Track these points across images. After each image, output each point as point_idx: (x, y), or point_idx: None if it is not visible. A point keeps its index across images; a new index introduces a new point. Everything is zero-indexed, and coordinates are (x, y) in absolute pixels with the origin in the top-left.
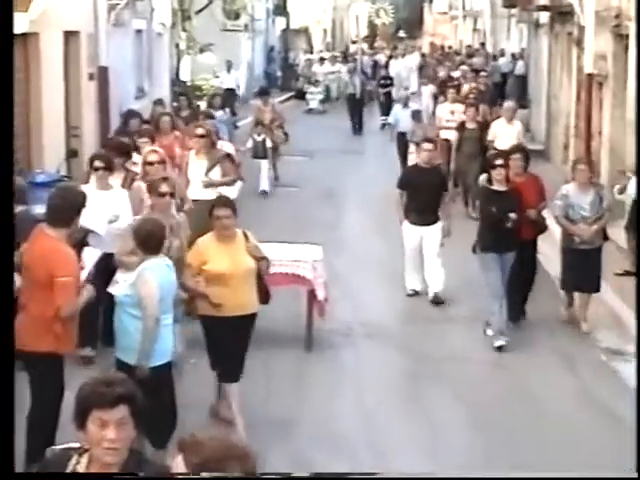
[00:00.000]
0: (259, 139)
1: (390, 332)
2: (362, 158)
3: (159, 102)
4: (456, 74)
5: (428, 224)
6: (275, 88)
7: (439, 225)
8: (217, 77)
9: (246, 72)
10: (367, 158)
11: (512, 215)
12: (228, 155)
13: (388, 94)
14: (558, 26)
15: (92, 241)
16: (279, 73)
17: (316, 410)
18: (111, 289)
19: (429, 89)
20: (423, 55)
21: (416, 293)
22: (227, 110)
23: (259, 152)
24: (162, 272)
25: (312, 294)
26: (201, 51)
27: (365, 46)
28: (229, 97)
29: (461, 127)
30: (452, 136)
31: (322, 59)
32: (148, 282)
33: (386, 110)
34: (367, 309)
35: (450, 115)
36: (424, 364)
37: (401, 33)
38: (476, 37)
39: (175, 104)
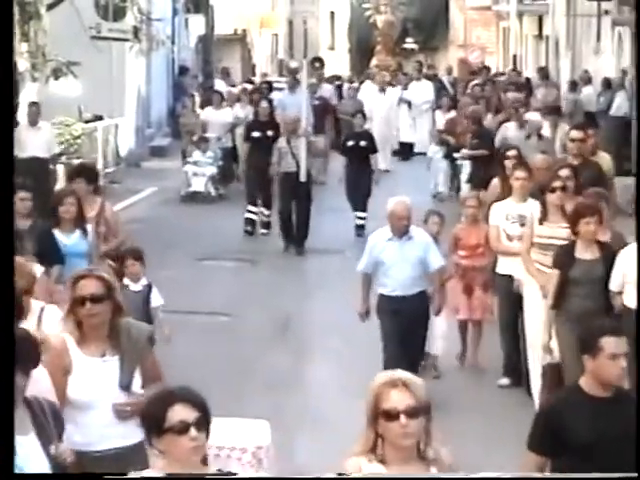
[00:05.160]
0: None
1: None
2: (339, 260)
3: None
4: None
5: None
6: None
7: None
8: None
9: (136, 114)
10: (346, 261)
11: None
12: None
13: (362, 168)
14: None
15: None
16: None
17: None
18: None
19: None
20: (454, 81)
21: None
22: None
23: None
24: None
25: None
26: (56, 76)
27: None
28: (38, 177)
29: (567, 262)
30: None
31: (219, 96)
32: None
33: (360, 203)
34: None
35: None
36: None
37: (409, 42)
38: (542, 49)
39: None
